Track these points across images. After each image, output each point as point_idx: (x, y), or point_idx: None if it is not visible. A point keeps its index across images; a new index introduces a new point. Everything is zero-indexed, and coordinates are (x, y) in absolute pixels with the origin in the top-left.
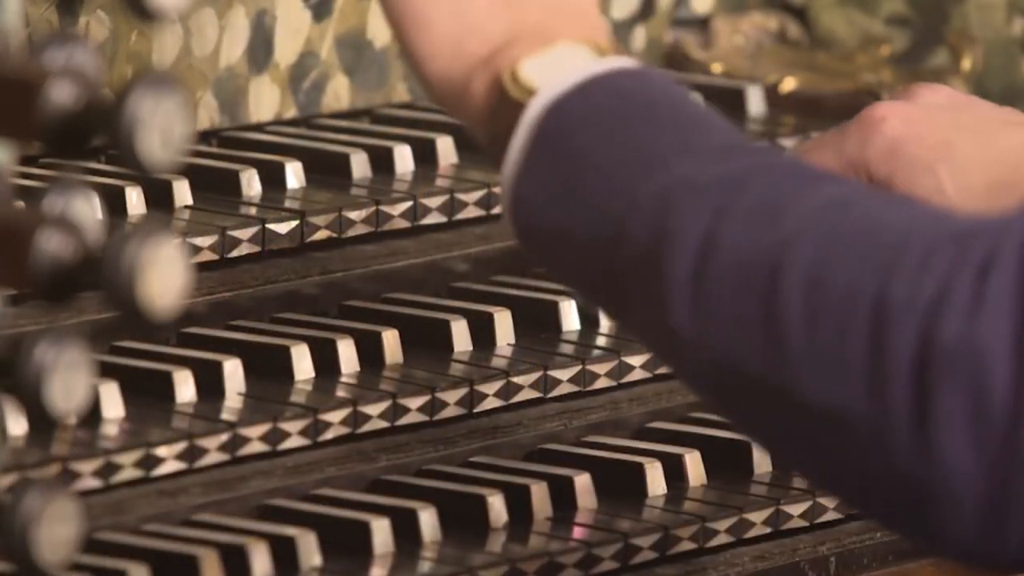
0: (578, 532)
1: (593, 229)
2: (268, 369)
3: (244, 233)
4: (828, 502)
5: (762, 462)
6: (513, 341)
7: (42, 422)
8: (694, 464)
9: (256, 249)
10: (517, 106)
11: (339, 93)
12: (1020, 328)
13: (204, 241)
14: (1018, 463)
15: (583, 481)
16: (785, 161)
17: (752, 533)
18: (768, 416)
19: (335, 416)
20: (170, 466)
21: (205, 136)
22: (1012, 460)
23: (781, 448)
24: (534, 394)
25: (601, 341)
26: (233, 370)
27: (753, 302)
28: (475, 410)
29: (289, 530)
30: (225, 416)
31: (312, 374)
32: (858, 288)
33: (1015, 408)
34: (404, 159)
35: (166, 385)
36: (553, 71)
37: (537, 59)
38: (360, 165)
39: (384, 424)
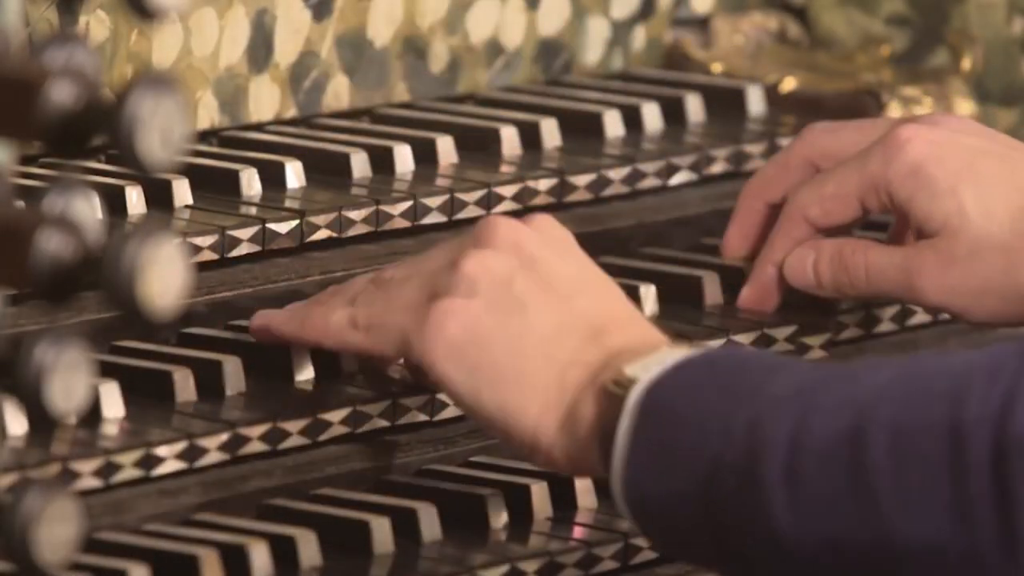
0: (578, 532)
1: (695, 479)
2: (268, 369)
3: (244, 233)
4: None
5: None
6: None
7: (42, 422)
8: None
9: (256, 249)
10: (620, 402)
11: (339, 93)
12: None
13: (204, 241)
14: None
15: (583, 481)
16: (855, 363)
17: None
18: None
19: (335, 416)
20: (170, 466)
21: (205, 136)
22: None
23: None
24: None
25: None
26: (233, 370)
27: (842, 473)
28: None
29: (289, 530)
30: (225, 416)
31: (312, 374)
32: (934, 422)
33: None
34: (404, 159)
35: (166, 385)
36: (652, 365)
37: (638, 362)
38: (360, 165)
39: (384, 424)
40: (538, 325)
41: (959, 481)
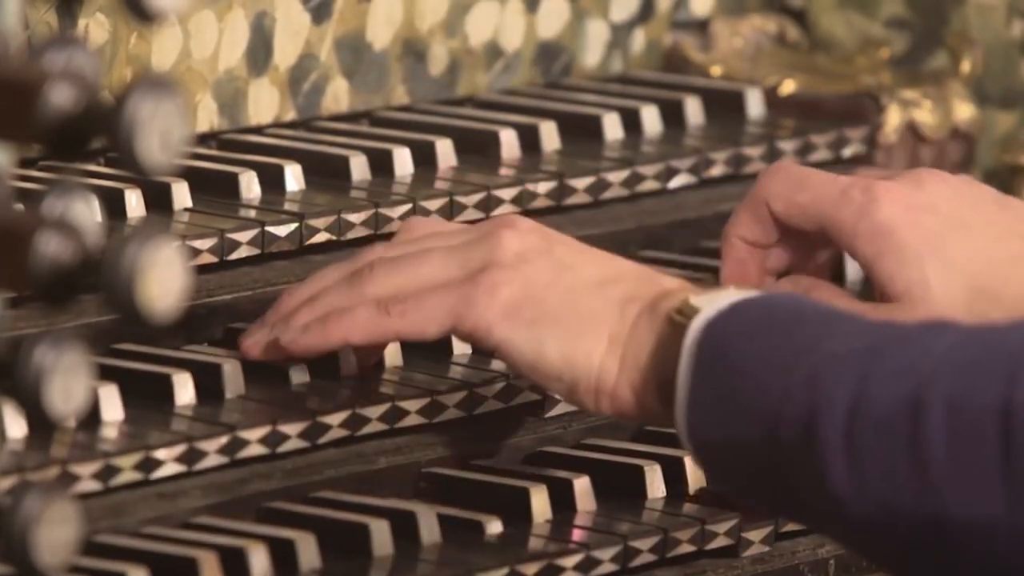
0: (577, 534)
1: (755, 430)
2: (267, 371)
3: (243, 235)
4: None
5: None
6: None
7: (42, 424)
8: (694, 467)
9: (255, 252)
10: (681, 332)
11: (338, 95)
12: None
13: (203, 244)
14: None
15: (582, 484)
16: (915, 326)
17: (751, 536)
18: (922, 552)
19: (334, 419)
20: (169, 468)
21: (204, 138)
22: None
23: None
24: (533, 397)
25: None
26: (232, 373)
27: (900, 443)
28: (474, 413)
29: (288, 532)
30: (224, 419)
31: (311, 377)
32: (990, 401)
33: None
34: (403, 161)
35: (165, 388)
36: (717, 300)
37: (703, 296)
38: (359, 167)
39: (383, 427)
40: (588, 275)
41: (1008, 461)
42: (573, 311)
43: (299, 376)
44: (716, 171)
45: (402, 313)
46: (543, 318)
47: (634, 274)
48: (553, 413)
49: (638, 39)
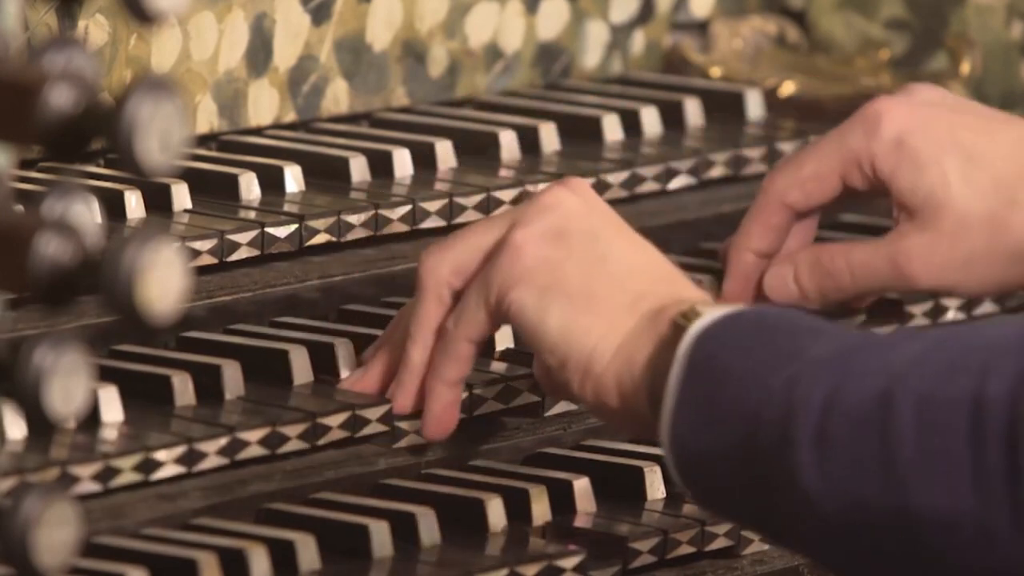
0: (577, 536)
1: (735, 434)
2: (267, 373)
3: (243, 237)
4: None
5: None
6: (512, 345)
7: (41, 426)
8: None
9: (255, 253)
10: (679, 336)
11: (338, 97)
12: None
13: (203, 245)
14: None
15: (582, 485)
16: (894, 333)
17: (751, 537)
18: (889, 550)
19: (334, 420)
20: (169, 470)
21: (204, 140)
22: None
23: None
24: (533, 398)
25: None
26: (232, 374)
27: (870, 438)
28: (474, 414)
29: (288, 534)
30: (224, 420)
31: (311, 378)
32: (960, 395)
33: None
34: (403, 163)
35: (165, 389)
36: (716, 311)
37: (710, 307)
38: (359, 169)
39: (383, 428)
40: (615, 256)
41: (976, 454)
42: (586, 289)
43: (299, 378)
44: (716, 172)
45: (456, 324)
46: (555, 288)
47: (660, 273)
48: (552, 413)
49: (638, 40)
